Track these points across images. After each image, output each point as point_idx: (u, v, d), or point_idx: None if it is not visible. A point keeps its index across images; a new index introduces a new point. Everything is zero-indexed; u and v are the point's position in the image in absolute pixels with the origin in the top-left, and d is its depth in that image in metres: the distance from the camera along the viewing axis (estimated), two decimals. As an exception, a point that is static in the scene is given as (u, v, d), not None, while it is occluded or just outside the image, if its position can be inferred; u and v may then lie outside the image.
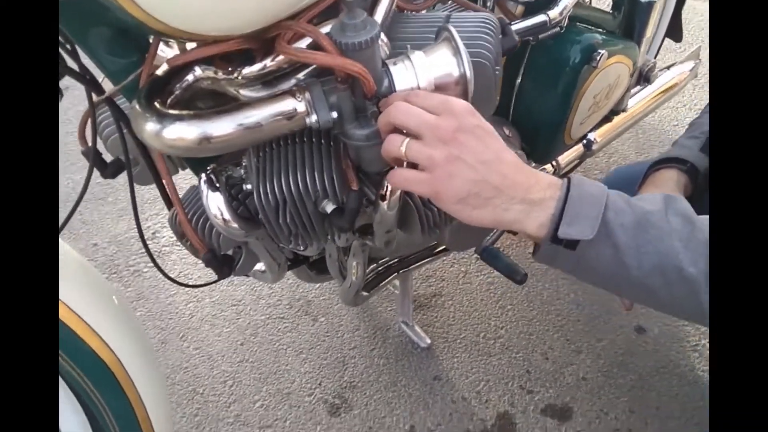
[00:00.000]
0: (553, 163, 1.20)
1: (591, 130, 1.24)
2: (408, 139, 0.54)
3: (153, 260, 0.82)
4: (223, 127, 0.59)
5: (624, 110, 1.34)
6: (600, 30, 1.15)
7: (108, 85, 0.68)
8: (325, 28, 0.61)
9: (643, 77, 1.31)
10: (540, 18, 0.96)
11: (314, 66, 0.65)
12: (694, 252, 0.51)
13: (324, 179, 0.65)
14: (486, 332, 1.30)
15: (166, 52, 0.68)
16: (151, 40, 0.64)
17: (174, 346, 1.32)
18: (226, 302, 1.39)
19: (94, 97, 0.71)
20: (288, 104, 0.60)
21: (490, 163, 0.53)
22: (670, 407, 1.15)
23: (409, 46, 0.63)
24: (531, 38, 0.98)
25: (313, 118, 0.59)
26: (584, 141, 1.25)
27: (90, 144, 0.75)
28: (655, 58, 1.44)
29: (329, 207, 0.67)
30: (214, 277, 0.77)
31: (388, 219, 0.71)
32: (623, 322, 1.31)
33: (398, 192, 0.68)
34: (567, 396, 1.18)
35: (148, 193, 1.67)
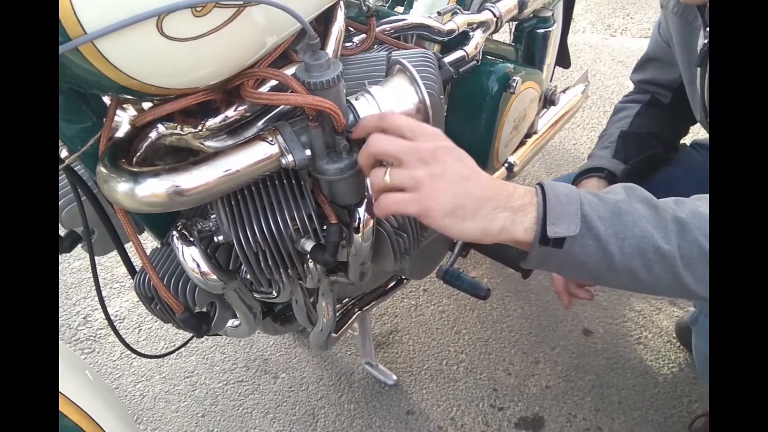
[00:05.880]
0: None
1: (510, 154, 1.34)
2: (390, 167, 0.57)
3: (121, 340, 0.79)
4: (199, 177, 0.59)
5: (536, 132, 1.46)
6: (507, 60, 1.25)
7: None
8: (288, 71, 0.63)
9: (549, 100, 1.42)
10: (459, 53, 1.04)
11: (277, 111, 0.67)
12: (663, 231, 0.56)
13: (303, 218, 0.66)
14: (448, 359, 1.32)
15: (120, 114, 0.67)
16: (108, 102, 0.64)
17: (128, 431, 1.23)
18: (177, 376, 1.32)
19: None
20: (261, 148, 0.61)
21: (470, 178, 0.56)
22: (631, 399, 1.21)
23: (366, 82, 0.67)
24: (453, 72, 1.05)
25: (289, 158, 0.61)
26: (506, 164, 1.34)
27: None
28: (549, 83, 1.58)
29: (309, 245, 0.68)
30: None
31: (364, 251, 0.72)
32: (570, 327, 1.38)
33: (371, 223, 0.70)
34: (536, 406, 1.21)
35: (72, 277, 1.58)
